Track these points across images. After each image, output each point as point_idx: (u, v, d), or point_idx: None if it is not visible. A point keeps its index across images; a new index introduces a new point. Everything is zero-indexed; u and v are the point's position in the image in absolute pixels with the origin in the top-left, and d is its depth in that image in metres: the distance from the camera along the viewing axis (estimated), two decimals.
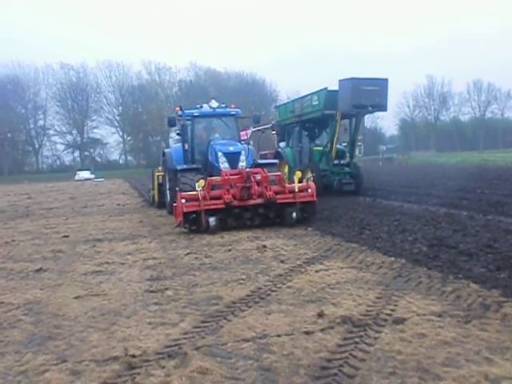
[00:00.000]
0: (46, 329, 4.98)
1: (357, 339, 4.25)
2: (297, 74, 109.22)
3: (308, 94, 18.71)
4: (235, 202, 10.68)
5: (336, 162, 18.15)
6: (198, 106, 15.17)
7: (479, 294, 5.31)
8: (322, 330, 4.51)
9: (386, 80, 16.97)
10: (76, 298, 6.06)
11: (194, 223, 10.60)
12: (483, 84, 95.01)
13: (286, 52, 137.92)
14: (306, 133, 19.97)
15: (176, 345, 4.33)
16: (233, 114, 15.01)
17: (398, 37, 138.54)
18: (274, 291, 5.88)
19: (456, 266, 6.58)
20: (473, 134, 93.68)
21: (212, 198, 10.65)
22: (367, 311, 4.97)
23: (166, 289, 6.25)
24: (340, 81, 16.83)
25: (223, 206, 10.56)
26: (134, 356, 4.12)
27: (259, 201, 10.88)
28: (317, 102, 17.79)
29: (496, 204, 12.93)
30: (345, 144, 19.43)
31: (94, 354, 4.23)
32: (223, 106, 15.15)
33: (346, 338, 4.29)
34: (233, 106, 15.31)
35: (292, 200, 11.00)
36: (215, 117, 15.04)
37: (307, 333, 4.46)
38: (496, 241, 8.01)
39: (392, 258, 7.27)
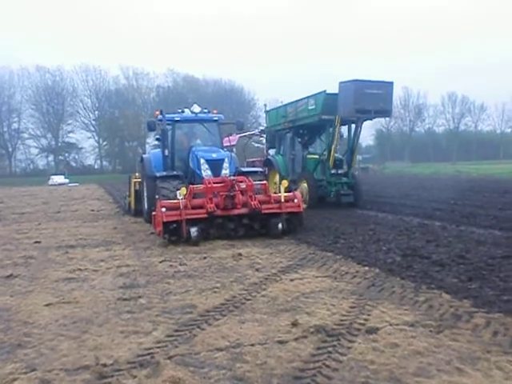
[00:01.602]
0: (16, 336, 4.88)
1: (330, 349, 4.27)
2: (276, 84, 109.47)
3: (303, 98, 17.30)
4: (218, 212, 10.23)
5: (333, 171, 16.68)
6: (180, 110, 14.69)
7: (451, 305, 5.39)
8: (295, 340, 4.52)
9: (392, 83, 15.72)
10: (47, 305, 5.96)
11: (174, 233, 10.03)
12: (457, 97, 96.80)
13: (266, 61, 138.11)
14: (300, 139, 18.55)
15: (148, 354, 4.29)
16: (215, 120, 14.53)
17: (374, 49, 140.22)
18: (248, 300, 5.88)
19: (429, 276, 6.67)
20: (447, 145, 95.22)
21: (194, 207, 10.16)
22: (341, 320, 4.99)
23: (140, 297, 6.19)
24: (341, 83, 15.49)
25: (205, 215, 10.09)
26: (105, 365, 4.07)
27: (243, 211, 10.43)
28: (313, 107, 16.45)
29: (468, 215, 13.16)
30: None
31: (65, 363, 4.16)
32: (205, 111, 14.73)
33: (320, 348, 4.31)
34: (215, 111, 14.89)
35: (278, 210, 10.62)
36: (197, 122, 14.60)
37: (281, 342, 4.47)
38: (468, 251, 8.15)
39: (366, 268, 7.33)
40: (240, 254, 8.65)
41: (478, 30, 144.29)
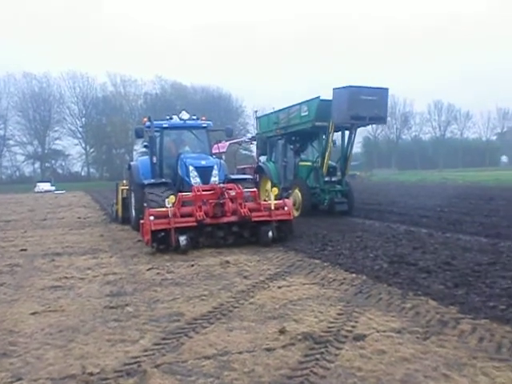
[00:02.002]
0: (1, 346, 4.83)
1: (318, 356, 4.27)
2: (264, 91, 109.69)
3: (296, 104, 16.98)
4: (208, 220, 10.06)
5: (327, 178, 16.37)
6: (168, 117, 14.56)
7: (437, 311, 5.42)
8: (283, 347, 4.51)
9: (387, 90, 15.57)
10: (33, 313, 5.91)
11: (162, 242, 9.83)
12: (443, 105, 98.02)
13: (254, 68, 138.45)
14: (292, 146, 18.18)
15: (135, 362, 4.26)
16: (204, 127, 14.42)
17: (361, 59, 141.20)
18: (236, 307, 5.86)
19: (415, 282, 6.71)
20: (433, 152, 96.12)
21: (182, 216, 9.97)
22: (328, 328, 5.00)
23: (127, 305, 6.15)
24: (335, 89, 15.23)
25: (195, 223, 9.92)
26: (91, 374, 4.03)
27: (233, 218, 10.27)
28: (306, 113, 16.15)
29: (455, 222, 13.27)
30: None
31: (51, 372, 4.12)
32: (194, 117, 14.61)
33: (307, 355, 4.31)
34: (204, 118, 14.79)
35: (268, 218, 10.45)
36: (186, 129, 14.48)
37: (268, 349, 4.46)
38: (454, 258, 8.22)
39: (353, 275, 7.36)
40: (228, 262, 8.63)
41: (466, 38, 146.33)
